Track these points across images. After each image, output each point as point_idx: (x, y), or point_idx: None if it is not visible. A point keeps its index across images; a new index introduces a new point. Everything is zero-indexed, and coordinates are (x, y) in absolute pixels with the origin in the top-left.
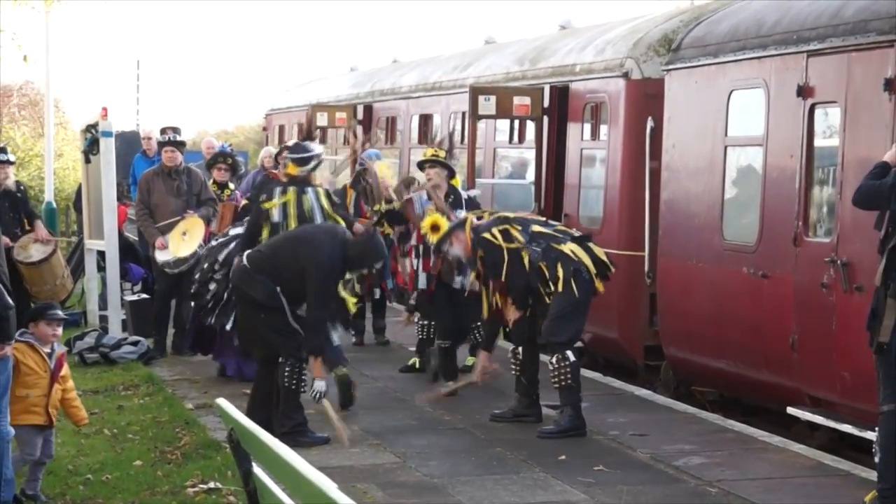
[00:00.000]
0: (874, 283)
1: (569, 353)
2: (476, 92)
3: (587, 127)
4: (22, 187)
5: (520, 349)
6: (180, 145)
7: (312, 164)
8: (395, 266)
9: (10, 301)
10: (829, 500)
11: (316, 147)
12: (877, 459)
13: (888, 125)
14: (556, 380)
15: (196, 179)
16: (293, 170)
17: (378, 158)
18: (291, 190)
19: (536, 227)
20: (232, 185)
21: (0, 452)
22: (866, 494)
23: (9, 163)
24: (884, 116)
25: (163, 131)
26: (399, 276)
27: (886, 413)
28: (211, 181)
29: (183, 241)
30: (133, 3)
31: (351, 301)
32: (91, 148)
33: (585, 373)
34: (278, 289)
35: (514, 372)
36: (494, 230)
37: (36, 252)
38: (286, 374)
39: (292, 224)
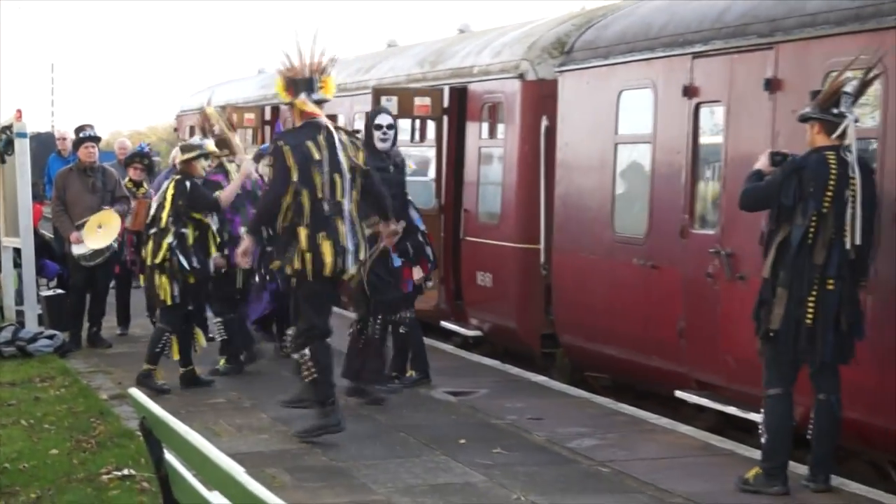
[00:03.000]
0: (762, 275)
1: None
2: (378, 93)
3: (485, 126)
4: None
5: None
6: (97, 141)
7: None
8: None
9: None
10: (714, 478)
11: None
12: (763, 440)
13: (768, 123)
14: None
15: (110, 178)
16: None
17: None
18: None
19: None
20: (146, 185)
21: None
22: (748, 471)
23: None
24: (764, 115)
25: (79, 129)
26: None
27: (773, 396)
28: (127, 179)
29: (98, 233)
30: (46, 9)
31: None
32: (6, 149)
33: (485, 360)
34: None
35: None
36: None
37: None
38: (378, 326)
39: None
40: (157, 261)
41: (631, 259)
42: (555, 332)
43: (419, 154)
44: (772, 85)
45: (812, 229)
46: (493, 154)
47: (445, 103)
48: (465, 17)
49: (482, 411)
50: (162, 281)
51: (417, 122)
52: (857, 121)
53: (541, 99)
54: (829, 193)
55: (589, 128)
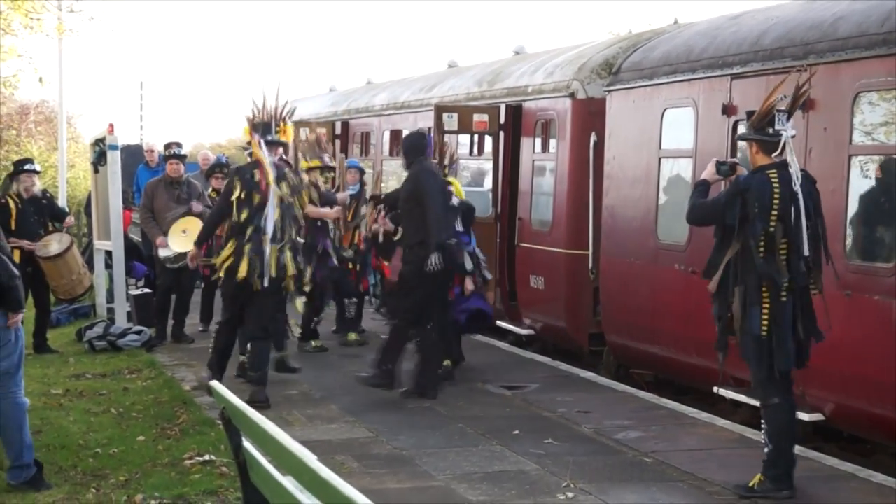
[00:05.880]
0: (709, 289)
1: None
2: (440, 110)
3: (538, 141)
4: (48, 194)
5: None
6: (183, 158)
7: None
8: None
9: (16, 271)
10: (749, 468)
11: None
12: (767, 450)
13: (801, 139)
14: None
15: (195, 189)
16: None
17: (358, 167)
18: None
19: None
20: None
21: (20, 421)
22: (750, 480)
23: (35, 172)
24: (798, 131)
25: (167, 146)
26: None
27: (772, 406)
28: (210, 189)
29: (182, 237)
30: (137, 32)
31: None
32: (99, 159)
33: (537, 357)
34: None
35: None
36: None
37: (53, 248)
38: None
39: None
40: None
41: (673, 264)
42: (602, 331)
43: (477, 166)
44: (805, 105)
45: (761, 247)
46: (545, 167)
47: (502, 120)
48: (521, 39)
49: (534, 404)
50: None
51: (476, 137)
52: (793, 136)
53: (590, 116)
54: (775, 213)
55: (634, 143)
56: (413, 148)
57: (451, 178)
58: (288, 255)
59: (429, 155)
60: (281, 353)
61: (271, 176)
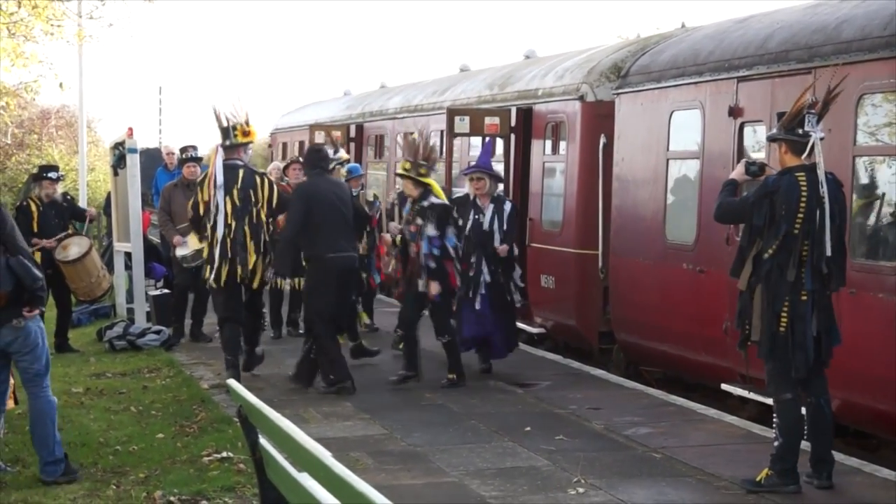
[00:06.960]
0: (738, 287)
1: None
2: (452, 113)
3: (548, 143)
4: (68, 196)
5: None
6: (199, 161)
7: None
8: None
9: (39, 273)
10: (756, 463)
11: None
12: (777, 444)
13: None
14: None
15: None
16: None
17: (358, 175)
18: None
19: None
20: None
21: (53, 417)
22: (757, 474)
23: (58, 180)
24: None
25: (183, 150)
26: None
27: (784, 401)
28: None
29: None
30: (156, 38)
31: None
32: (119, 163)
33: (548, 355)
34: None
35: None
36: None
37: (73, 252)
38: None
39: None
40: None
41: (681, 264)
42: (611, 329)
43: None
44: (810, 107)
45: (783, 249)
46: (555, 168)
47: (513, 122)
48: (531, 43)
49: (546, 401)
50: None
51: (487, 139)
52: (822, 138)
53: (599, 118)
54: (800, 216)
55: (643, 144)
56: (306, 161)
57: (428, 180)
58: (249, 248)
59: (324, 168)
60: (355, 341)
61: (217, 183)
